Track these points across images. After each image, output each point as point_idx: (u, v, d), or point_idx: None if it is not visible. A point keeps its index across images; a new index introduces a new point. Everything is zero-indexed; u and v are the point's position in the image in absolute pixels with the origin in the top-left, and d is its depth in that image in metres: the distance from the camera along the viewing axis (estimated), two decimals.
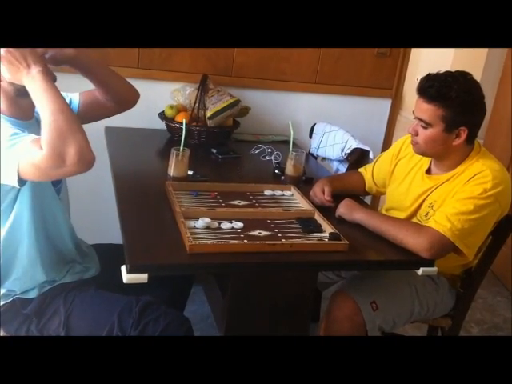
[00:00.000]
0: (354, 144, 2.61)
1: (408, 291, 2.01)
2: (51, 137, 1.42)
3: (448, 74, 1.83)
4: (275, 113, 2.99)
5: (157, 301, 1.79)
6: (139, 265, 1.49)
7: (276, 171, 2.34)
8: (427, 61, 3.93)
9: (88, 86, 1.88)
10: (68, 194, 1.88)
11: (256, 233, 1.73)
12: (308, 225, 1.80)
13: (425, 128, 1.86)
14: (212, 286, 2.03)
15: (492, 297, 3.47)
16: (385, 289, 1.99)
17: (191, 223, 1.71)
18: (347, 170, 2.64)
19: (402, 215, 2.02)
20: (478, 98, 1.84)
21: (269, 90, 2.95)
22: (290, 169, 2.22)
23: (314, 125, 2.91)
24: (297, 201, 2.02)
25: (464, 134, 1.84)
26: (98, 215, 2.67)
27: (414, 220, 1.98)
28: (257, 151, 2.63)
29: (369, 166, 2.28)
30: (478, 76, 2.03)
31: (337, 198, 1.99)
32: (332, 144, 2.73)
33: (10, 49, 1.48)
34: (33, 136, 1.50)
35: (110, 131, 2.55)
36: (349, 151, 2.63)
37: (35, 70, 1.48)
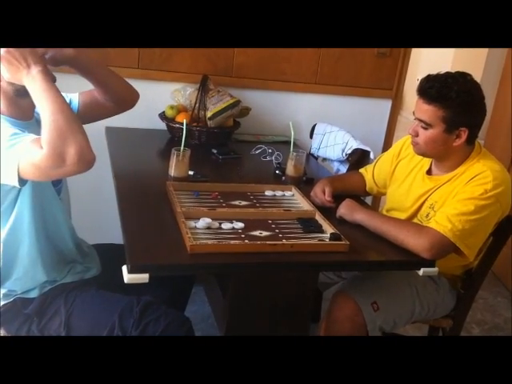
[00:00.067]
0: (354, 144, 2.61)
1: (409, 292, 2.01)
2: (51, 136, 1.42)
3: (448, 74, 1.83)
4: (276, 113, 2.99)
5: (157, 301, 1.80)
6: (140, 265, 1.49)
7: (277, 171, 2.34)
8: (427, 61, 3.94)
9: (87, 86, 1.88)
10: (69, 194, 1.88)
11: (257, 233, 1.73)
12: (309, 225, 1.80)
13: (425, 129, 1.86)
14: (213, 286, 2.03)
15: (493, 297, 3.47)
16: (386, 289, 1.99)
17: (192, 223, 1.71)
18: (348, 170, 2.64)
19: (403, 216, 2.02)
20: (478, 98, 1.84)
21: (269, 90, 2.96)
22: (290, 169, 2.22)
23: (315, 125, 2.91)
24: (297, 201, 2.02)
25: (464, 135, 1.84)
26: (99, 215, 2.67)
27: (415, 221, 1.98)
28: (257, 151, 2.63)
29: (369, 167, 2.28)
30: (478, 76, 2.04)
31: (337, 198, 1.99)
32: (332, 144, 2.73)
33: (10, 49, 1.48)
34: (33, 136, 1.50)
35: (110, 131, 2.55)
36: (349, 152, 2.63)
37: (35, 70, 1.49)
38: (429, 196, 1.96)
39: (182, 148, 2.03)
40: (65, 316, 1.71)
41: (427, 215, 1.93)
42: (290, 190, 2.10)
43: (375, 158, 2.36)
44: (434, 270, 1.75)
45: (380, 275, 2.03)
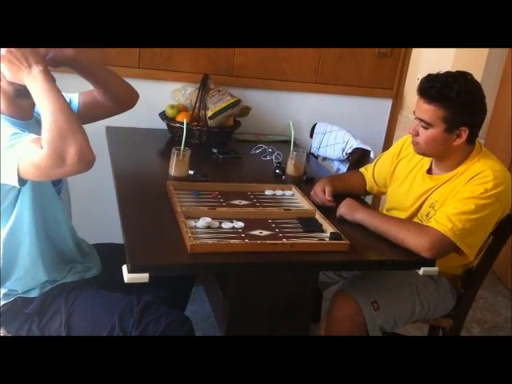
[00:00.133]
0: (354, 144, 2.61)
1: (409, 291, 2.01)
2: (52, 136, 1.42)
3: (448, 74, 1.83)
4: (276, 113, 2.99)
5: (158, 301, 1.80)
6: (140, 264, 1.50)
7: (277, 171, 2.34)
8: (428, 61, 3.94)
9: (87, 86, 1.88)
10: (69, 194, 1.88)
11: (257, 232, 1.73)
12: (309, 225, 1.80)
13: (425, 128, 1.86)
14: (213, 286, 2.03)
15: (493, 297, 3.47)
16: (386, 289, 1.99)
17: (192, 223, 1.71)
18: (348, 169, 2.64)
19: (403, 215, 2.02)
20: (478, 98, 1.83)
21: (270, 89, 2.96)
22: (290, 168, 2.22)
23: (315, 125, 2.91)
24: (298, 200, 2.03)
25: (465, 134, 1.84)
26: (99, 215, 2.67)
27: (415, 220, 1.98)
28: (257, 151, 2.63)
29: (369, 166, 2.28)
30: (478, 76, 2.04)
31: (338, 197, 1.99)
32: (333, 144, 2.73)
33: (12, 49, 1.48)
34: (33, 136, 1.50)
35: (110, 131, 2.55)
36: (350, 151, 2.63)
37: (36, 70, 1.49)
38: (429, 195, 1.96)
39: (182, 147, 2.03)
40: (65, 316, 1.71)
41: (427, 214, 1.93)
42: (290, 190, 2.10)
43: (375, 157, 2.36)
44: (434, 270, 1.75)
45: (380, 275, 2.03)
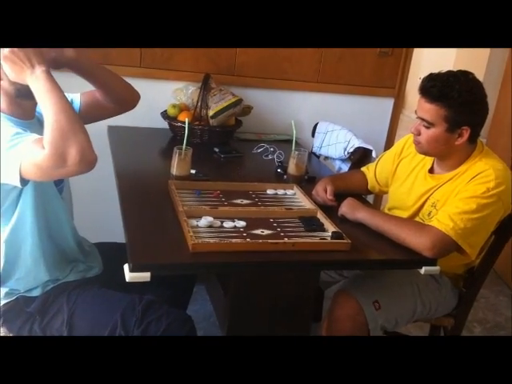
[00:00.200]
0: (356, 143, 2.61)
1: (410, 290, 2.01)
2: (53, 136, 1.43)
3: (450, 73, 1.83)
4: (277, 112, 2.99)
5: (160, 300, 1.80)
6: (142, 263, 1.50)
7: (278, 170, 2.34)
8: (429, 60, 3.94)
9: (88, 86, 1.88)
10: (71, 193, 1.88)
11: (258, 232, 1.73)
12: (310, 224, 1.80)
13: (427, 128, 1.86)
14: (214, 285, 2.03)
15: (494, 296, 3.47)
16: (387, 288, 1.99)
17: (194, 222, 1.71)
18: (349, 169, 2.64)
19: (405, 214, 2.02)
20: (480, 97, 1.83)
21: (271, 89, 2.96)
22: (292, 168, 2.22)
23: (317, 124, 2.91)
24: (299, 200, 2.03)
25: (466, 134, 1.84)
26: (101, 214, 2.67)
27: (417, 219, 1.98)
28: (259, 150, 2.63)
29: (371, 165, 2.28)
30: (480, 75, 2.03)
31: (339, 197, 1.99)
32: (334, 143, 2.73)
33: (15, 49, 1.49)
34: (35, 136, 1.50)
35: (112, 130, 2.55)
36: (351, 150, 2.63)
37: (39, 70, 1.49)
38: (431, 194, 1.96)
39: (183, 147, 2.03)
40: (67, 314, 1.71)
41: (429, 214, 1.93)
42: (292, 189, 2.10)
43: (377, 156, 2.35)
44: (435, 269, 1.75)
45: (382, 274, 2.03)
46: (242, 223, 1.75)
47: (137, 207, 1.85)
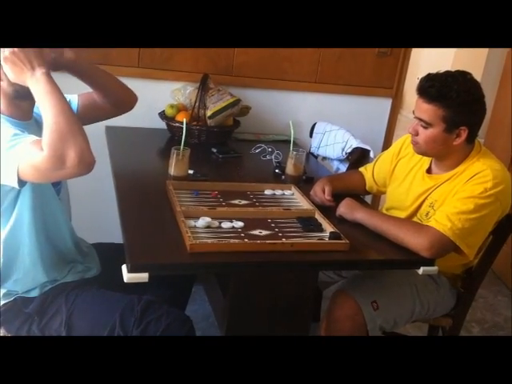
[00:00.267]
0: (354, 143, 2.61)
1: (409, 291, 2.01)
2: (52, 138, 1.43)
3: (448, 73, 1.83)
4: (276, 112, 2.98)
5: (158, 300, 1.80)
6: (140, 264, 1.50)
7: (276, 170, 2.34)
8: (428, 60, 3.93)
9: (86, 87, 1.88)
10: (69, 194, 1.88)
11: (256, 232, 1.73)
12: (308, 224, 1.80)
13: (425, 128, 1.86)
14: (213, 286, 2.03)
15: (493, 296, 3.47)
16: (386, 288, 1.99)
17: (192, 222, 1.71)
18: (347, 169, 2.64)
19: (403, 215, 2.02)
20: (478, 97, 1.83)
21: (269, 89, 2.95)
22: (290, 168, 2.22)
23: (315, 124, 2.91)
24: (297, 200, 2.03)
25: (464, 134, 1.84)
26: (99, 214, 2.67)
27: (415, 219, 1.98)
28: (257, 150, 2.63)
29: (369, 166, 2.28)
30: (478, 76, 2.03)
31: (337, 197, 1.99)
32: (332, 143, 2.73)
33: (15, 50, 1.49)
34: (33, 137, 1.50)
35: (110, 130, 2.55)
36: (349, 150, 2.63)
37: (39, 72, 1.50)
38: (429, 195, 1.96)
39: (181, 147, 2.03)
40: (66, 315, 1.71)
41: (427, 214, 1.93)
42: (290, 189, 2.10)
43: (375, 156, 2.36)
44: (433, 269, 1.75)
45: (380, 274, 2.03)
46: (239, 224, 1.75)
47: (135, 208, 1.85)
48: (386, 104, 3.18)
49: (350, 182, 2.26)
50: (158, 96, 2.74)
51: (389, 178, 2.17)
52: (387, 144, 3.16)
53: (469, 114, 1.83)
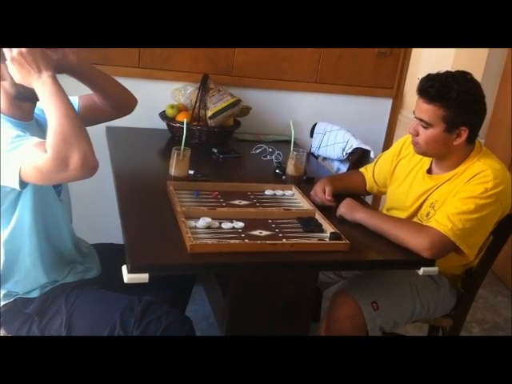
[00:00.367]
0: (354, 143, 2.61)
1: (409, 291, 2.01)
2: (56, 140, 1.43)
3: (448, 74, 1.83)
4: (276, 112, 2.98)
5: (159, 300, 1.80)
6: (140, 264, 1.50)
7: (277, 171, 2.34)
8: (428, 60, 3.94)
9: (86, 89, 1.88)
10: (69, 195, 1.88)
11: (257, 233, 1.73)
12: (309, 224, 1.80)
13: (425, 128, 1.86)
14: (213, 286, 2.03)
15: (493, 296, 3.47)
16: (386, 289, 1.99)
17: (192, 223, 1.71)
18: (348, 169, 2.64)
19: (403, 215, 2.02)
20: (478, 97, 1.83)
21: (270, 89, 2.96)
22: (290, 168, 2.22)
23: (315, 124, 2.91)
24: (298, 200, 2.02)
25: (465, 134, 1.84)
26: (99, 215, 2.67)
27: (415, 220, 1.98)
28: (258, 151, 2.63)
29: (370, 166, 2.28)
30: (478, 76, 2.03)
31: (338, 197, 1.99)
32: (333, 143, 2.73)
33: (24, 52, 1.49)
34: (36, 139, 1.51)
35: (110, 131, 2.55)
36: (350, 151, 2.63)
37: (46, 75, 1.50)
38: (429, 195, 1.96)
39: (182, 147, 2.03)
40: (66, 316, 1.71)
41: (427, 214, 1.93)
42: (290, 190, 2.10)
43: (375, 157, 2.36)
44: (434, 270, 1.75)
45: (380, 274, 2.03)
46: (240, 224, 1.75)
47: (135, 208, 1.85)
48: (386, 104, 3.18)
49: (351, 182, 2.26)
50: (158, 96, 2.74)
51: (389, 179, 2.17)
52: (388, 144, 3.16)
53: (469, 115, 1.83)
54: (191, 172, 2.10)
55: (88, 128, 1.54)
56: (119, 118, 2.01)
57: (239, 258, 1.60)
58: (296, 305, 1.83)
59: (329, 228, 1.77)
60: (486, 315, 3.25)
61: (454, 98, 1.78)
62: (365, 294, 1.94)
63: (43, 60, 1.51)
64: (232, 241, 1.64)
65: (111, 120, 2.02)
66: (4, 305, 1.72)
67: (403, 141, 2.16)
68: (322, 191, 2.01)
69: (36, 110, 1.72)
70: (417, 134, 1.89)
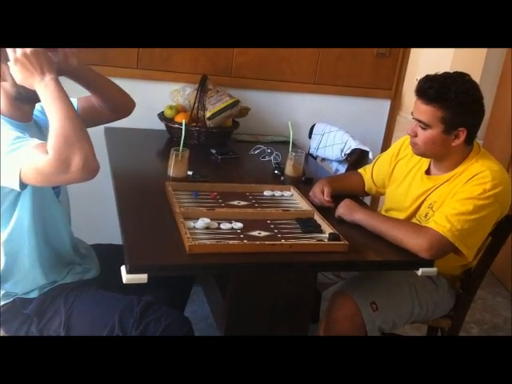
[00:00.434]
0: (353, 144, 2.61)
1: (408, 292, 2.01)
2: (58, 142, 1.43)
3: (446, 75, 1.83)
4: (275, 113, 2.99)
5: (158, 301, 1.80)
6: (139, 265, 1.49)
7: (275, 172, 2.34)
8: (427, 61, 3.94)
9: (84, 91, 1.88)
10: (68, 196, 1.88)
11: (255, 233, 1.73)
12: (307, 225, 1.80)
13: (424, 129, 1.86)
14: (211, 287, 2.03)
15: (492, 297, 3.47)
16: (385, 289, 1.99)
17: (191, 223, 1.71)
18: (347, 170, 2.64)
19: (402, 216, 2.02)
20: (476, 98, 1.83)
21: (268, 90, 2.96)
22: (289, 169, 2.22)
23: (314, 125, 2.91)
24: (296, 201, 2.02)
25: (463, 135, 1.84)
26: (98, 215, 2.67)
27: (414, 220, 1.98)
28: (256, 152, 2.63)
29: (368, 167, 2.28)
30: (477, 76, 2.04)
31: (336, 198, 1.99)
32: (331, 144, 2.73)
33: (28, 53, 1.49)
34: (36, 141, 1.51)
35: (109, 132, 2.55)
36: (348, 152, 2.63)
37: (49, 77, 1.51)
38: (428, 196, 1.96)
39: (180, 148, 2.03)
40: (65, 316, 1.71)
41: (426, 215, 1.93)
42: (289, 190, 2.09)
43: (374, 158, 2.36)
44: (432, 270, 1.75)
45: (379, 275, 2.03)
46: (239, 225, 1.75)
47: (134, 209, 1.85)
48: (384, 105, 3.18)
49: (349, 183, 2.26)
50: (156, 97, 2.74)
51: (388, 179, 2.17)
52: (386, 145, 3.16)
53: (467, 116, 1.83)
54: (190, 173, 2.10)
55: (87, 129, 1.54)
56: (117, 120, 2.01)
57: (238, 258, 1.60)
58: (295, 305, 1.82)
59: (327, 229, 1.77)
60: (484, 316, 3.25)
61: (453, 99, 1.78)
62: (364, 295, 1.94)
63: (47, 63, 1.52)
64: (231, 241, 1.64)
65: (109, 122, 2.03)
66: (3, 305, 1.72)
67: (402, 142, 2.16)
68: (321, 192, 2.02)
69: (36, 112, 1.72)
70: (415, 135, 1.90)
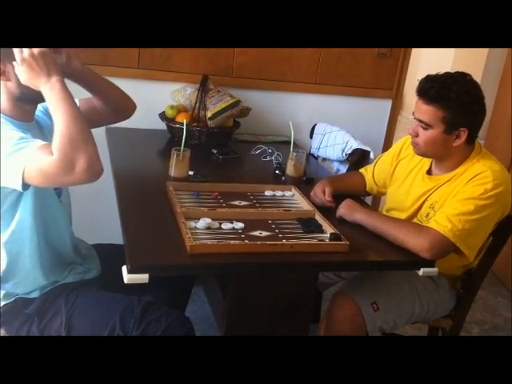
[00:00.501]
0: (354, 144, 2.61)
1: (408, 292, 2.01)
2: (63, 143, 1.44)
3: (447, 75, 1.83)
4: (276, 113, 2.99)
5: (158, 301, 1.80)
6: (140, 265, 1.50)
7: (276, 172, 2.34)
8: (427, 61, 3.93)
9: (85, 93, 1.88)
10: (69, 197, 1.88)
11: (257, 233, 1.73)
12: (309, 225, 1.80)
13: (425, 129, 1.86)
14: (212, 287, 2.03)
15: (492, 297, 3.47)
16: (385, 289, 1.99)
17: (192, 223, 1.71)
18: (348, 170, 2.64)
19: (403, 216, 2.02)
20: (477, 98, 1.83)
21: (269, 90, 2.96)
22: (290, 169, 2.22)
23: (315, 125, 2.91)
24: (297, 201, 2.02)
25: (464, 135, 1.84)
26: (99, 215, 2.67)
27: (415, 221, 1.98)
28: (257, 152, 2.63)
29: (369, 167, 2.28)
30: (478, 76, 2.03)
31: (337, 198, 1.99)
32: (333, 144, 2.73)
33: (36, 54, 1.49)
34: (40, 142, 1.51)
35: (110, 131, 2.55)
36: (349, 152, 2.63)
37: (55, 79, 1.51)
38: (429, 196, 1.96)
39: (182, 148, 2.03)
40: (65, 316, 1.71)
41: (427, 215, 1.93)
42: (290, 190, 2.10)
43: (375, 158, 2.36)
44: (433, 270, 1.75)
45: (380, 275, 2.03)
46: (240, 225, 1.75)
47: (135, 209, 1.85)
48: (386, 105, 3.18)
49: (350, 183, 2.26)
50: (157, 97, 2.74)
51: (389, 179, 2.17)
52: (387, 145, 3.16)
53: (468, 116, 1.83)
54: (191, 173, 2.10)
55: None
56: (118, 122, 2.02)
57: (239, 258, 1.60)
58: (296, 305, 1.82)
59: (329, 229, 1.77)
60: (485, 316, 3.25)
61: (454, 99, 1.78)
62: (364, 295, 1.94)
63: (53, 65, 1.52)
64: (232, 241, 1.64)
65: (110, 124, 2.04)
66: (4, 305, 1.72)
67: (403, 142, 2.16)
68: (322, 192, 2.01)
69: (37, 113, 1.72)
70: (416, 135, 1.89)
